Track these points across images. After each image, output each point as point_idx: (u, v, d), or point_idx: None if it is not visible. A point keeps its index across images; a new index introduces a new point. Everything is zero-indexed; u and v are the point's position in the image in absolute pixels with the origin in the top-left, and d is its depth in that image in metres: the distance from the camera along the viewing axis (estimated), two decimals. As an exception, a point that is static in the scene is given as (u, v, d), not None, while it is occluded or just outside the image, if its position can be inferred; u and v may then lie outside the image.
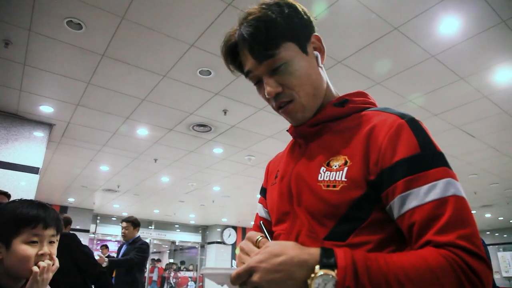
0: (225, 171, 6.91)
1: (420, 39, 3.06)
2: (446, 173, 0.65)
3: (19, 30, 2.98)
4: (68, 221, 3.86)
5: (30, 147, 4.65)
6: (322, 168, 0.75)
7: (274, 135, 5.13)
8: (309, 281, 0.56)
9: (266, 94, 0.78)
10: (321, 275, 0.55)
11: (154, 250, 18.18)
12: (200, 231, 14.51)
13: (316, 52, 0.82)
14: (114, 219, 12.41)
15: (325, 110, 0.81)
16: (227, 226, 13.50)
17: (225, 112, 4.46)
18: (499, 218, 11.84)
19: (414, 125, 0.70)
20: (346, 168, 0.71)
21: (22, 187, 4.40)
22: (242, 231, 13.77)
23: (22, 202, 1.11)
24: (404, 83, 3.74)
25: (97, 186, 8.25)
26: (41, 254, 1.05)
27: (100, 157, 6.19)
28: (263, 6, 0.77)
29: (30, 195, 4.45)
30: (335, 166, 0.73)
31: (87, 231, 10.79)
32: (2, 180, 4.30)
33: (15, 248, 1.03)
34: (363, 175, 0.69)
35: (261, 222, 0.79)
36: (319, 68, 0.83)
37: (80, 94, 4.05)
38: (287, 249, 0.59)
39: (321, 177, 0.74)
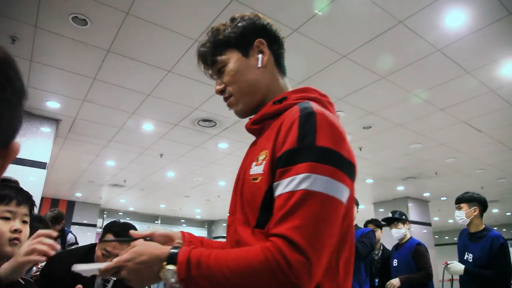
0: (230, 166, 6.93)
1: (425, 33, 3.03)
2: (308, 168, 0.68)
3: (25, 26, 3.01)
4: (60, 217, 3.76)
5: (37, 143, 4.71)
6: (254, 162, 0.82)
7: (279, 130, 5.12)
8: (160, 274, 0.70)
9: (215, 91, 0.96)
10: (167, 269, 0.69)
11: (161, 244, 18.30)
12: (206, 226, 14.61)
13: (259, 55, 0.92)
14: (121, 213, 12.52)
15: (264, 108, 0.89)
16: (232, 221, 13.55)
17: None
18: (507, 214, 11.76)
19: (303, 119, 0.73)
20: (264, 162, 0.78)
21: (30, 182, 4.45)
22: (247, 226, 13.82)
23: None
24: (409, 77, 3.71)
25: (104, 181, 8.33)
26: (14, 230, 1.10)
27: (106, 152, 6.24)
28: (226, 21, 0.95)
29: (38, 190, 4.52)
30: (259, 160, 0.80)
31: (94, 225, 10.93)
32: (10, 175, 4.36)
33: None
34: (272, 167, 0.75)
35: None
36: (261, 69, 0.91)
37: (86, 90, 4.09)
38: (150, 249, 0.73)
39: (251, 171, 0.81)
